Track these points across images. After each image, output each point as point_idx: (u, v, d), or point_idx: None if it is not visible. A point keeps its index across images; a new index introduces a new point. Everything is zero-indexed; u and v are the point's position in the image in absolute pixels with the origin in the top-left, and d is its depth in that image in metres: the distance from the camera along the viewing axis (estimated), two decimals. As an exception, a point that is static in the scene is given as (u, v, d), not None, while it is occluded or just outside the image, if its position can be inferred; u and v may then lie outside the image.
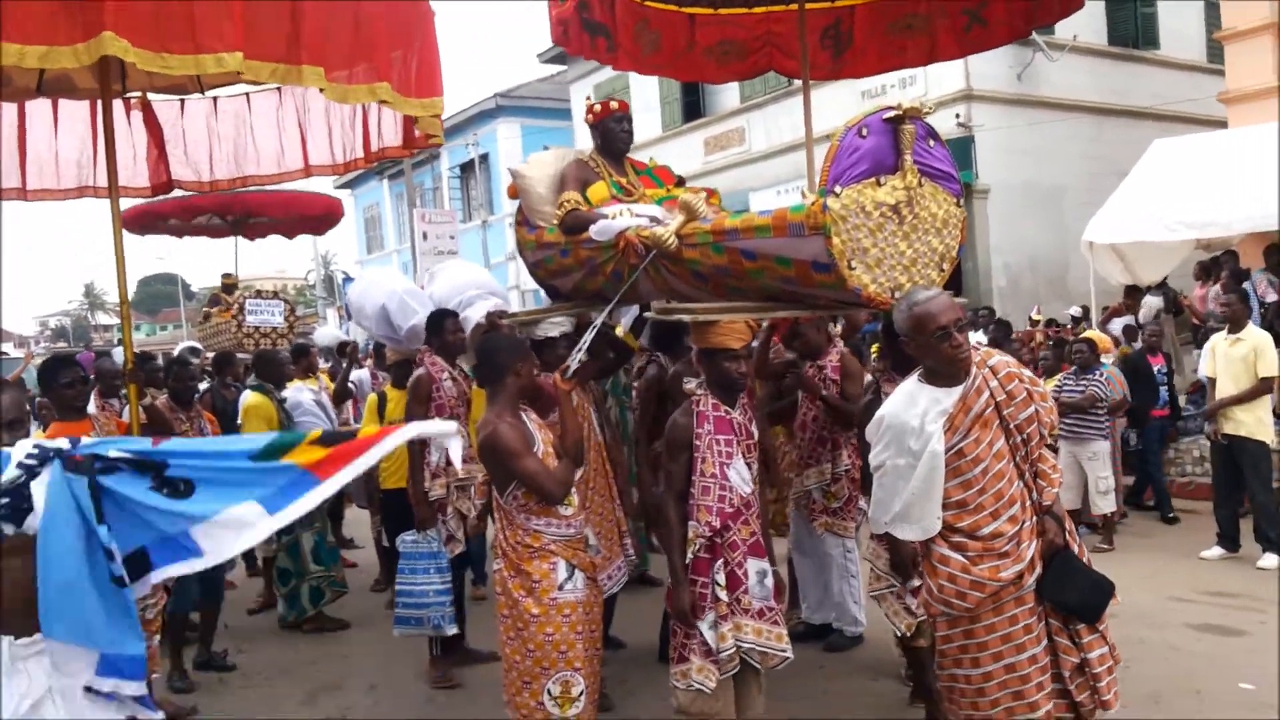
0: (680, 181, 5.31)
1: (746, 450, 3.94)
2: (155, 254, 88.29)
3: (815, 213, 3.55)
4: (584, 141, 23.72)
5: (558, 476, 3.81)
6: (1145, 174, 11.93)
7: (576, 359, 4.03)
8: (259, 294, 11.08)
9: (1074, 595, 3.19)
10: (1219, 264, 11.29)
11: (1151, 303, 11.54)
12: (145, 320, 59.02)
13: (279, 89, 7.09)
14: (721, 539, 3.84)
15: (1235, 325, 7.62)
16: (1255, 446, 7.38)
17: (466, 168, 29.53)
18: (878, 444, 3.30)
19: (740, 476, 3.88)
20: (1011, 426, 3.20)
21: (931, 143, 3.81)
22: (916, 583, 4.19)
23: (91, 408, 5.72)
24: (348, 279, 30.33)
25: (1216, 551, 7.58)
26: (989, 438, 3.17)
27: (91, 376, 6.20)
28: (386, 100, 4.59)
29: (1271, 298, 10.44)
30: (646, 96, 20.66)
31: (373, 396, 7.42)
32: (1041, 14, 5.72)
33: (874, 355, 10.59)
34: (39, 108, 6.82)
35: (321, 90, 4.44)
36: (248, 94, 7.22)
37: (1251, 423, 7.38)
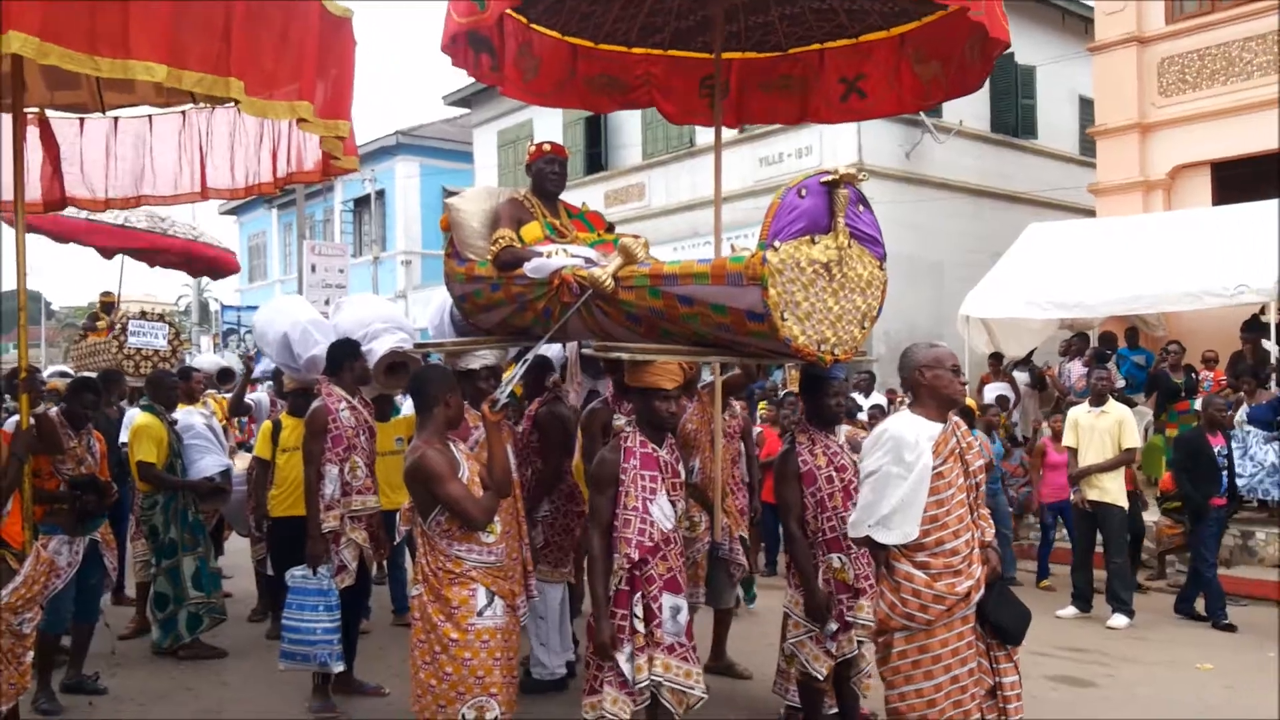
0: (610, 227, 5.46)
1: (672, 488, 4.06)
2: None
3: (754, 264, 3.74)
4: (484, 183, 23.77)
5: (482, 503, 3.87)
6: (1019, 255, 12.73)
7: (506, 391, 4.09)
8: (143, 315, 10.66)
9: (1007, 618, 3.68)
10: (1085, 341, 12.03)
11: (1020, 379, 12.19)
12: (-3, 336, 55.90)
13: (183, 112, 7.01)
14: (640, 572, 3.95)
15: (1099, 399, 8.15)
16: (1117, 512, 7.88)
17: (361, 202, 29.21)
18: (877, 450, 3.64)
19: (663, 512, 4.00)
20: (969, 470, 3.69)
21: (861, 208, 4.06)
22: (834, 626, 4.37)
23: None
24: (225, 307, 29.41)
25: (1071, 611, 8.05)
26: (956, 470, 3.65)
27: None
28: (305, 119, 4.58)
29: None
30: (549, 144, 20.90)
31: (267, 424, 7.28)
32: (929, 95, 5.90)
33: (760, 410, 10.91)
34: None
35: (238, 104, 4.41)
36: (150, 115, 7.11)
37: (1115, 490, 7.88)
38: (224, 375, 12.67)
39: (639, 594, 3.94)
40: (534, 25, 5.66)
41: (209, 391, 9.16)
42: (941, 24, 5.48)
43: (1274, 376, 10.03)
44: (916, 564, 3.57)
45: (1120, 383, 10.68)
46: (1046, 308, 11.76)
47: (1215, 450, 7.95)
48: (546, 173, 5.23)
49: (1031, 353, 12.76)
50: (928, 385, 3.71)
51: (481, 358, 5.19)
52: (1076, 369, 11.43)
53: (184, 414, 7.33)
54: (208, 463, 7.12)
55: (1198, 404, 10.25)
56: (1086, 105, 18.59)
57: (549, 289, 4.56)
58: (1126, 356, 11.80)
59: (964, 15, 5.08)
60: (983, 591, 3.63)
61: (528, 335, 5.09)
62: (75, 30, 3.77)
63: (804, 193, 3.86)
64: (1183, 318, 12.25)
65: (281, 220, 32.50)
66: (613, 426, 5.29)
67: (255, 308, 25.82)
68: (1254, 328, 10.93)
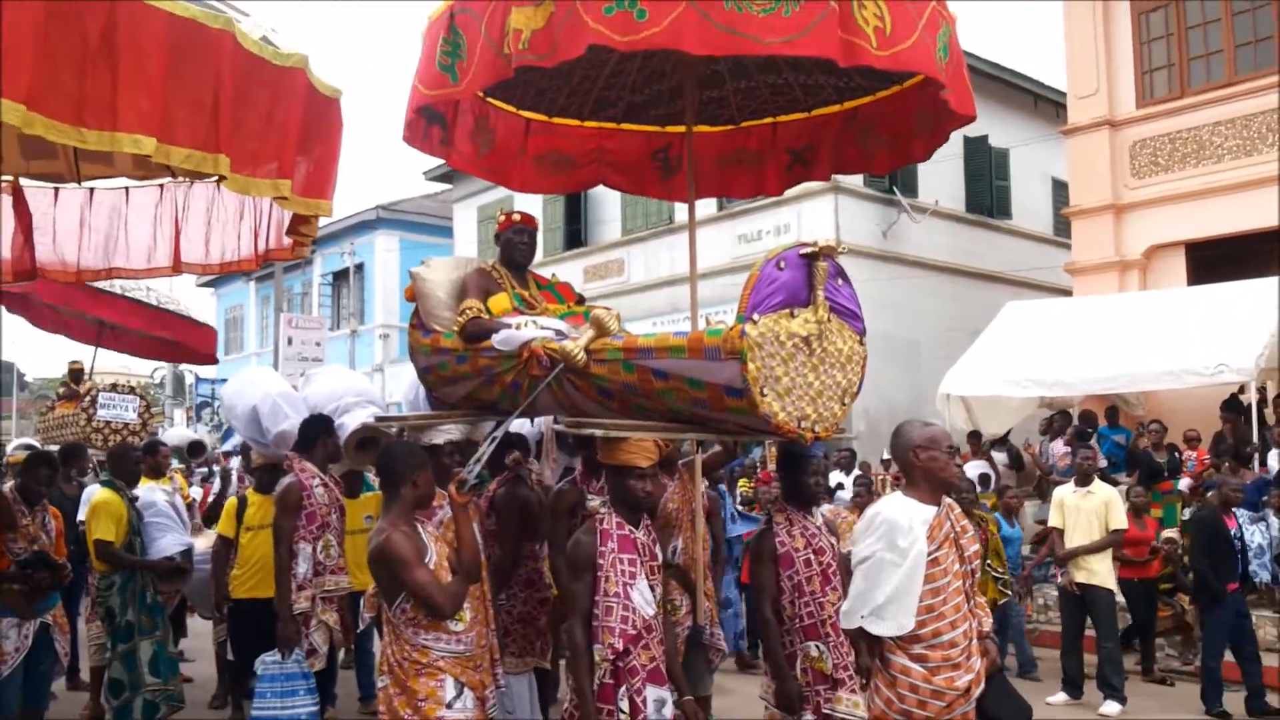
0: (581, 299, 5.35)
1: (650, 571, 3.87)
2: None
3: (733, 338, 3.63)
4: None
5: (449, 590, 3.68)
6: (998, 333, 12.73)
7: (474, 471, 3.92)
8: (114, 387, 10.46)
9: (1008, 713, 3.65)
10: (1067, 419, 11.97)
11: (997, 458, 12.08)
12: (-33, 409, 55.05)
13: (161, 185, 6.94)
14: (623, 663, 3.73)
15: (1085, 479, 8.04)
16: (1105, 595, 7.70)
17: (340, 276, 29.17)
18: (870, 536, 3.50)
19: (643, 598, 3.80)
20: (965, 555, 3.54)
21: (840, 281, 3.98)
22: (811, 718, 4.16)
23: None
24: (200, 380, 29.12)
25: (1061, 697, 7.80)
26: (952, 556, 3.49)
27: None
28: (285, 197, 4.54)
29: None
30: (528, 220, 20.98)
31: (232, 500, 7.06)
32: (871, 164, 5.91)
33: (741, 488, 10.73)
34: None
35: (221, 180, 4.35)
36: (127, 187, 7.04)
37: (1103, 572, 7.72)
38: (195, 449, 12.39)
39: (623, 687, 3.72)
40: (490, 99, 5.54)
41: (176, 466, 8.93)
42: (893, 98, 5.47)
43: (1256, 456, 9.98)
44: (913, 657, 3.40)
45: (1103, 462, 10.59)
46: (1026, 386, 11.73)
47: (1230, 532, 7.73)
48: (515, 243, 5.12)
49: (1009, 432, 12.69)
50: (922, 467, 3.56)
51: (446, 432, 5.03)
52: (1059, 448, 11.35)
53: (145, 490, 7.10)
54: (168, 541, 6.86)
55: (1181, 484, 10.18)
56: (1059, 187, 18.84)
57: (518, 362, 4.42)
58: (1107, 435, 11.74)
59: (916, 90, 5.13)
60: (982, 686, 3.46)
61: (494, 410, 4.94)
62: (61, 100, 3.64)
63: (783, 265, 3.77)
64: (1162, 397, 12.23)
65: (259, 293, 32.38)
66: (581, 508, 5.11)
67: (230, 381, 25.59)
68: (1233, 407, 10.90)
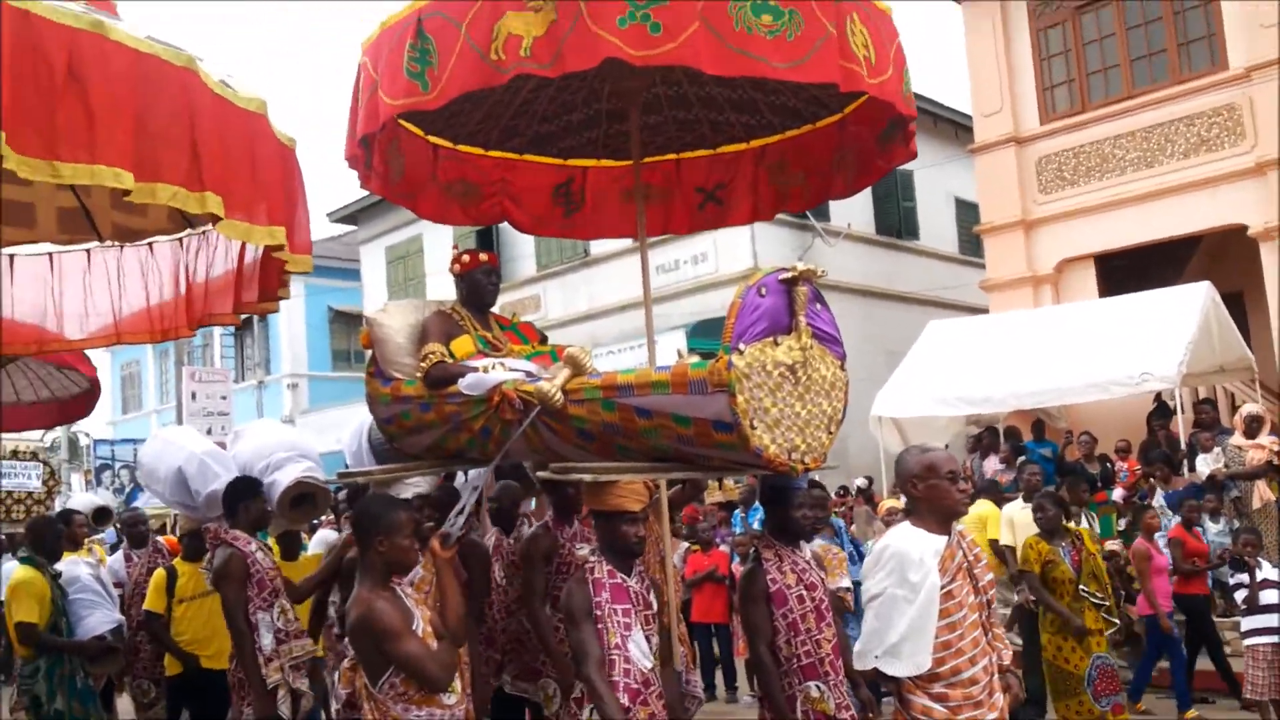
0: (544, 339, 5.17)
1: (645, 621, 3.69)
2: None
3: (720, 369, 3.50)
4: (373, 302, 23.36)
5: (441, 659, 3.42)
6: (922, 353, 12.88)
7: (458, 524, 3.69)
8: (15, 454, 9.86)
9: None
10: (994, 435, 12.12)
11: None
12: None
13: (88, 250, 6.55)
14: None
15: (1031, 493, 8.10)
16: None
17: (243, 325, 28.24)
18: (879, 571, 3.36)
19: (640, 650, 3.62)
20: (979, 585, 3.41)
21: (819, 306, 3.90)
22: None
23: None
24: (98, 442, 27.83)
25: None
26: (966, 587, 3.36)
27: None
28: (280, 246, 4.26)
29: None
30: (439, 259, 20.65)
31: (160, 572, 6.62)
32: (784, 203, 5.85)
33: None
34: None
35: (216, 223, 4.04)
36: (51, 254, 6.60)
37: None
38: (100, 515, 11.74)
39: None
40: (401, 121, 5.14)
41: (96, 537, 8.41)
42: (806, 136, 5.45)
43: (1185, 462, 10.23)
44: (933, 696, 3.25)
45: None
46: (954, 404, 11.87)
47: None
48: (484, 284, 4.93)
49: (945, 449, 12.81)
50: (923, 497, 3.43)
51: (414, 485, 4.78)
52: (991, 465, 11.47)
53: (67, 565, 6.62)
54: (96, 619, 6.39)
55: (1115, 494, 10.38)
56: (963, 206, 19.33)
57: (487, 407, 4.20)
58: (1034, 449, 11.91)
59: (834, 127, 5.17)
60: None
61: (462, 458, 4.71)
62: (33, 132, 3.26)
63: (764, 291, 3.67)
64: (1082, 408, 12.49)
65: (156, 347, 31.19)
66: (556, 554, 4.90)
67: (131, 441, 24.44)
68: (1163, 414, 11.16)
